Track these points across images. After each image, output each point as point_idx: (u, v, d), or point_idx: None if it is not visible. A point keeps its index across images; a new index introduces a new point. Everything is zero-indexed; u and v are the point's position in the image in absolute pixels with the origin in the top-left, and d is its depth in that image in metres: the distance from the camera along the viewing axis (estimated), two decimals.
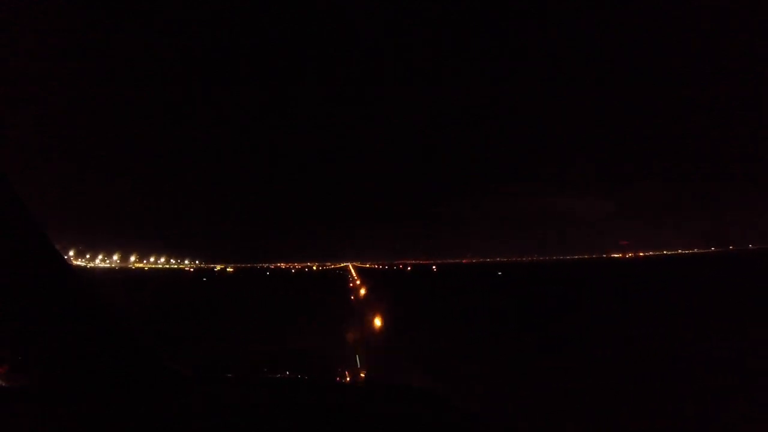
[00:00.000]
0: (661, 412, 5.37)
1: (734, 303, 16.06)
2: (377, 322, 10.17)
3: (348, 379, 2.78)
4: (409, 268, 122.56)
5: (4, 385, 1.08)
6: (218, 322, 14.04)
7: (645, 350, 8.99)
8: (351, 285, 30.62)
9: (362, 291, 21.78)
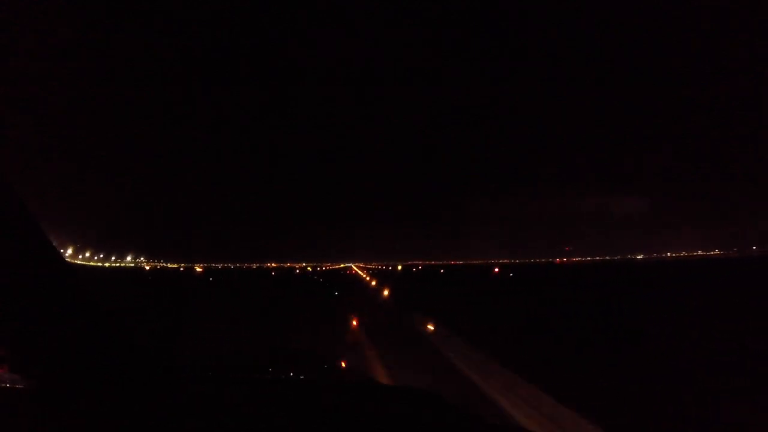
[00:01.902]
0: (663, 413, 5.37)
1: (741, 305, 15.98)
2: None
3: (347, 379, 2.78)
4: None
5: (3, 385, 1.09)
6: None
7: (647, 352, 8.97)
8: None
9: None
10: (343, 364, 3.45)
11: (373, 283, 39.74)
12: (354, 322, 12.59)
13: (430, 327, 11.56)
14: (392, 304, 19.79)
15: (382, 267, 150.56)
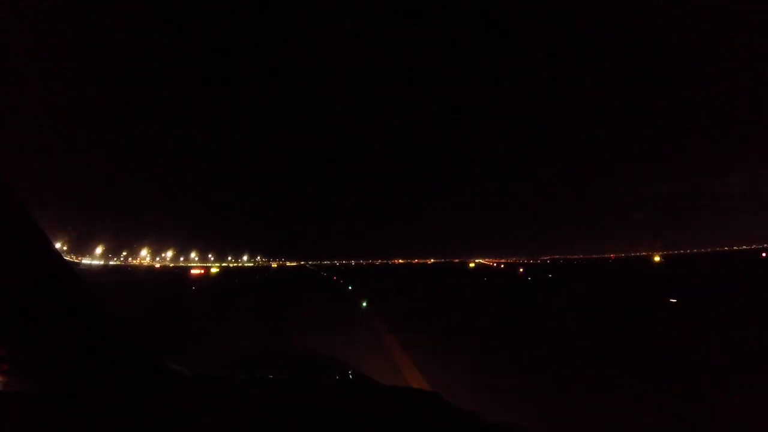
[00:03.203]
0: (666, 411, 5.31)
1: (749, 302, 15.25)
2: None
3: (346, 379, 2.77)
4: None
5: (3, 385, 1.08)
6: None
7: (653, 350, 8.83)
8: None
9: None
10: (346, 365, 3.45)
11: None
12: None
13: None
14: None
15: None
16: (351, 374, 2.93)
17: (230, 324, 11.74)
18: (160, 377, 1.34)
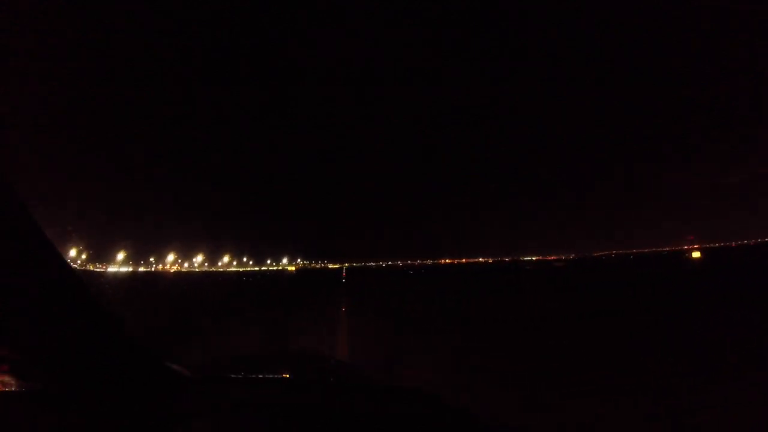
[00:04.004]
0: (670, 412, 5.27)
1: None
2: None
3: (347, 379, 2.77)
4: None
5: (3, 385, 1.08)
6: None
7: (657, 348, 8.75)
8: None
9: None
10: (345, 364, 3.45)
11: None
12: None
13: None
14: None
15: None
16: (351, 374, 2.93)
17: None
18: (160, 377, 1.34)
